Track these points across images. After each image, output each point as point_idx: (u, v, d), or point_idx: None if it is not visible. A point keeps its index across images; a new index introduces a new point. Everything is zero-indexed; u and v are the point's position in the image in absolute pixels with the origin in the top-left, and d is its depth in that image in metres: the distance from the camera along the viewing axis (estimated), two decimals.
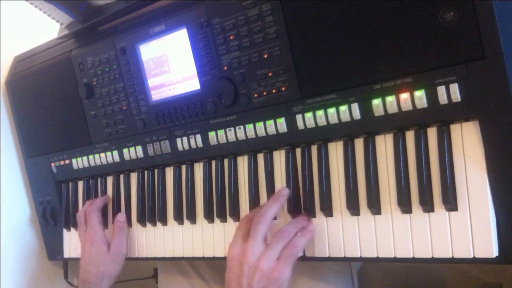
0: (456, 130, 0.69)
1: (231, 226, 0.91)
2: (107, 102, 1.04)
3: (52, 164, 1.18)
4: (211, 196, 0.94)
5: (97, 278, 1.01)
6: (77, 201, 1.17)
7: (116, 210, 1.08)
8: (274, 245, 0.76)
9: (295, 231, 0.79)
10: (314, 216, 0.81)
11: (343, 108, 0.76)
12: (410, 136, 0.73)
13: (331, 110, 0.77)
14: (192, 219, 0.96)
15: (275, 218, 0.85)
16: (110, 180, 1.11)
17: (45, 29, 1.21)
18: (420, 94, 0.69)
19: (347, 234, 0.77)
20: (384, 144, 0.75)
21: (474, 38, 0.64)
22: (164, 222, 1.01)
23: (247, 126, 0.86)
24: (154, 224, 1.03)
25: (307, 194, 0.81)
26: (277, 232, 0.79)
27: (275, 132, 0.84)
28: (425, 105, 0.69)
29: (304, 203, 0.82)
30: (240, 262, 0.76)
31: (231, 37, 0.85)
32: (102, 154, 1.08)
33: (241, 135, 0.87)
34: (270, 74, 0.82)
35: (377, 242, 0.74)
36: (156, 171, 1.03)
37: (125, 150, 1.04)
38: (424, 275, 1.09)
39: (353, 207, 0.76)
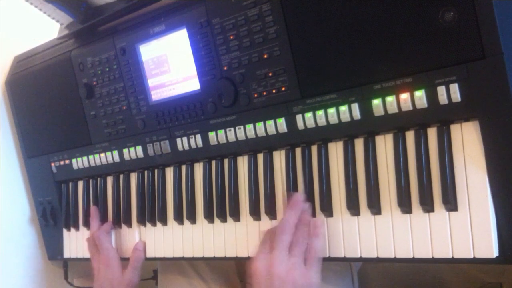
0: (456, 130, 0.69)
1: (231, 226, 0.91)
2: (107, 102, 1.04)
3: (52, 164, 1.18)
4: (211, 196, 0.94)
5: None
6: (77, 201, 1.17)
7: (116, 210, 1.08)
8: (297, 252, 0.76)
9: (307, 230, 0.78)
10: (314, 216, 0.81)
11: (343, 108, 0.76)
12: (410, 136, 0.73)
13: (331, 110, 0.77)
14: (192, 219, 0.96)
15: None
16: (110, 180, 1.11)
17: (45, 29, 1.21)
18: (420, 94, 0.69)
19: (347, 234, 0.77)
20: (384, 144, 0.75)
21: (474, 38, 0.64)
22: (164, 222, 1.01)
23: (247, 126, 0.86)
24: (154, 224, 1.03)
25: (307, 194, 0.81)
26: (293, 240, 0.78)
27: (275, 132, 0.84)
28: (425, 105, 0.69)
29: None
30: (269, 274, 0.75)
31: (231, 37, 0.85)
32: (102, 154, 1.08)
33: (241, 135, 0.87)
34: (270, 74, 0.82)
35: (377, 242, 0.74)
36: (156, 171, 1.02)
37: (125, 150, 1.04)
38: (424, 275, 1.09)
39: (353, 207, 0.76)
